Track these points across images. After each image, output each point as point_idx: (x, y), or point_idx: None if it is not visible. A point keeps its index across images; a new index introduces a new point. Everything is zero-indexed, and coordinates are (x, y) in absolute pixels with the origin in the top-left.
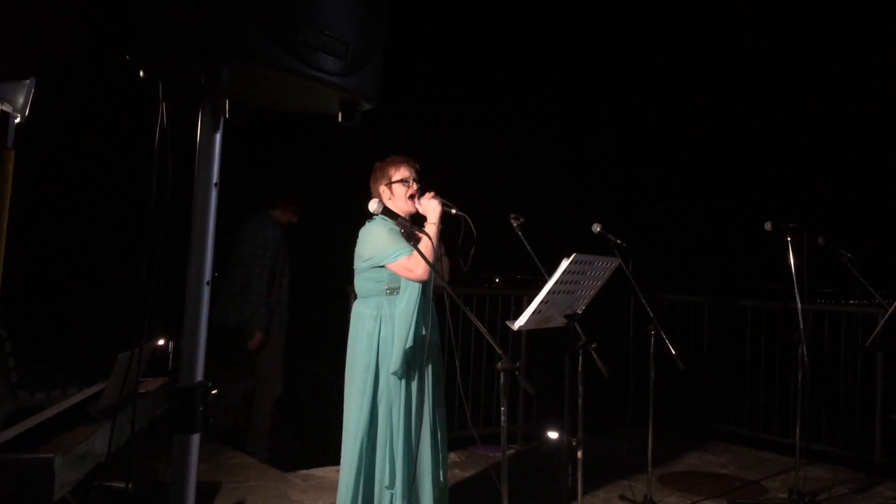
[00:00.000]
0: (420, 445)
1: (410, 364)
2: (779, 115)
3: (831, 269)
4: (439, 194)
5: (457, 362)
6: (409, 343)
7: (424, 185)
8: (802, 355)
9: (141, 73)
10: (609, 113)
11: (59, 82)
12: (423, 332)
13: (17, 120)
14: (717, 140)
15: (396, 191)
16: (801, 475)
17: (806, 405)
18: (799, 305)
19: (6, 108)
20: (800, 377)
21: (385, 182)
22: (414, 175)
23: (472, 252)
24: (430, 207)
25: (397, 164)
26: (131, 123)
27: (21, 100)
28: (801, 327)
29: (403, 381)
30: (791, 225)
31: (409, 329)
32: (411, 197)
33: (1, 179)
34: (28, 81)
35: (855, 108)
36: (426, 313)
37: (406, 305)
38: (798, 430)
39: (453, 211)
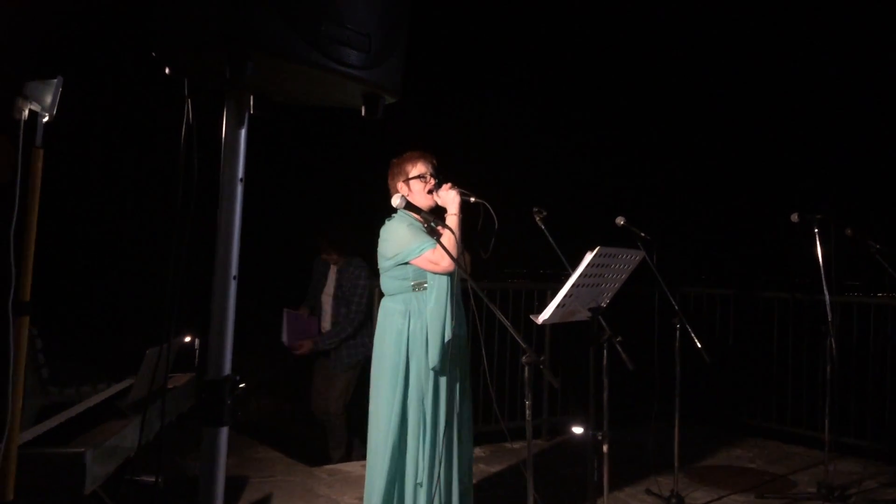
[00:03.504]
0: (450, 440)
1: (442, 359)
2: (805, 104)
3: (859, 260)
4: (456, 184)
5: (484, 357)
6: (448, 337)
7: (442, 177)
8: (831, 348)
9: (166, 70)
10: (632, 105)
11: (87, 81)
12: (453, 326)
13: (45, 119)
14: (743, 130)
15: (414, 187)
16: (830, 469)
17: (835, 398)
18: (827, 297)
19: (34, 107)
20: (828, 370)
21: (402, 179)
22: (431, 170)
23: (493, 240)
24: (449, 198)
25: (414, 160)
26: (157, 120)
27: (49, 99)
28: (829, 319)
29: (434, 376)
30: (818, 216)
31: (444, 323)
32: (430, 192)
33: (30, 179)
34: (55, 81)
35: (880, 98)
36: (454, 307)
37: (437, 300)
38: (827, 423)
39: (472, 199)
